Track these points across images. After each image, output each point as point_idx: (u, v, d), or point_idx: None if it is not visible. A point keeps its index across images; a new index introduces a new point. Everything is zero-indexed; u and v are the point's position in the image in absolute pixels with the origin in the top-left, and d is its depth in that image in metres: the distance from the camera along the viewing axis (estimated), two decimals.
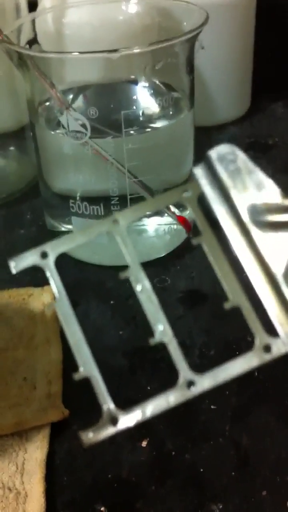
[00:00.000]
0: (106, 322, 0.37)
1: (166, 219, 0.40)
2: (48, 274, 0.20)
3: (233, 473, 0.28)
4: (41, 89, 0.37)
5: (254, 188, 0.21)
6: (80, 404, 0.30)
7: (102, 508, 0.27)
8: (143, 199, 0.38)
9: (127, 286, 0.38)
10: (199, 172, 0.21)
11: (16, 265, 0.20)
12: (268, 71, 0.68)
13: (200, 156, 0.22)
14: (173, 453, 0.29)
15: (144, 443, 0.29)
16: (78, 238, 0.21)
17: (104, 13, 0.39)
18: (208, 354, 0.34)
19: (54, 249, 0.21)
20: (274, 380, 0.32)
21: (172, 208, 0.39)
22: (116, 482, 0.28)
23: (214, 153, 0.21)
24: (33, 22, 0.40)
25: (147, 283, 0.20)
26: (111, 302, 0.38)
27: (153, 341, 0.20)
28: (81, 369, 0.19)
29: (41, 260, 0.20)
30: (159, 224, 0.40)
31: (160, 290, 0.39)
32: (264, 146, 0.58)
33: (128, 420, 0.19)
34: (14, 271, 0.20)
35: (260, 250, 0.20)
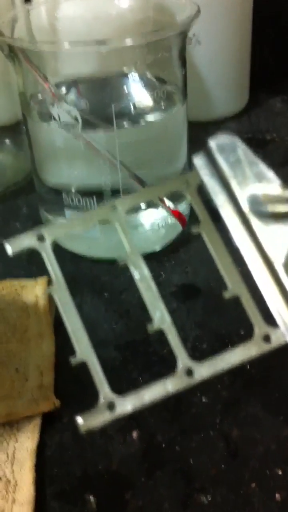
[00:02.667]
0: (99, 315, 0.37)
1: (161, 213, 0.40)
2: (44, 256, 0.20)
3: (222, 465, 0.28)
4: (33, 82, 0.37)
5: (255, 178, 0.21)
6: (72, 396, 0.30)
7: (92, 499, 0.27)
8: None
9: (121, 280, 0.38)
10: (199, 162, 0.21)
11: (12, 247, 0.20)
12: (266, 66, 0.68)
13: (198, 151, 0.22)
14: (163, 445, 0.29)
15: (134, 435, 0.29)
16: (75, 223, 0.21)
17: (98, 8, 0.39)
18: (200, 347, 0.34)
19: (50, 232, 0.20)
20: (265, 374, 0.32)
21: (167, 202, 0.39)
22: (106, 473, 0.28)
23: (214, 143, 0.21)
24: (27, 15, 0.40)
25: (145, 271, 0.20)
26: (105, 295, 0.39)
27: (151, 328, 0.20)
28: (78, 353, 0.19)
29: (38, 243, 0.20)
30: (154, 218, 0.40)
31: None
32: (262, 141, 0.57)
33: (125, 406, 0.19)
34: (10, 252, 0.20)
35: (260, 240, 0.20)
